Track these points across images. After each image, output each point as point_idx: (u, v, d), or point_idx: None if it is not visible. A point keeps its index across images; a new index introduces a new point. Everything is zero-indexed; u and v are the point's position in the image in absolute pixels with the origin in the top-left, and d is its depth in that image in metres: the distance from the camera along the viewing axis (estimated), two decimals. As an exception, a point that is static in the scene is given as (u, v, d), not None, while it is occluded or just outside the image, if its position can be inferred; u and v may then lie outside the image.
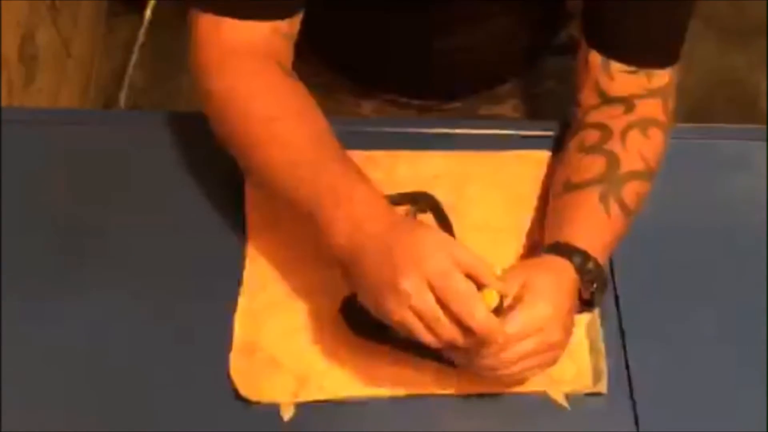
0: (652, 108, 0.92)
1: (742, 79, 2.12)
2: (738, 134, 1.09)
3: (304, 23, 0.92)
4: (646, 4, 0.89)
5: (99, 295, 0.89)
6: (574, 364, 0.87)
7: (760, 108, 2.07)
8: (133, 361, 0.86)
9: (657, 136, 0.91)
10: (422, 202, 0.92)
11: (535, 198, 0.96)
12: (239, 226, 0.93)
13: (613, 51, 0.91)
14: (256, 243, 0.92)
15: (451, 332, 0.73)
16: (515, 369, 0.79)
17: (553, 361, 0.81)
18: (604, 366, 0.87)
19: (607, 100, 0.93)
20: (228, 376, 0.84)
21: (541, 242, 0.88)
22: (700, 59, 2.06)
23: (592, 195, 0.87)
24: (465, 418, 0.85)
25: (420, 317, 0.73)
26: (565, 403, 0.85)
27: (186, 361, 0.86)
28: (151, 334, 0.87)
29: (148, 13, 2.03)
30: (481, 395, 0.85)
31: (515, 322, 0.76)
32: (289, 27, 0.90)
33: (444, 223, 0.91)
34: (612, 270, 0.91)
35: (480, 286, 0.74)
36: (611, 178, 0.87)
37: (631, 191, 0.87)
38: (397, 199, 0.89)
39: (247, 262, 0.91)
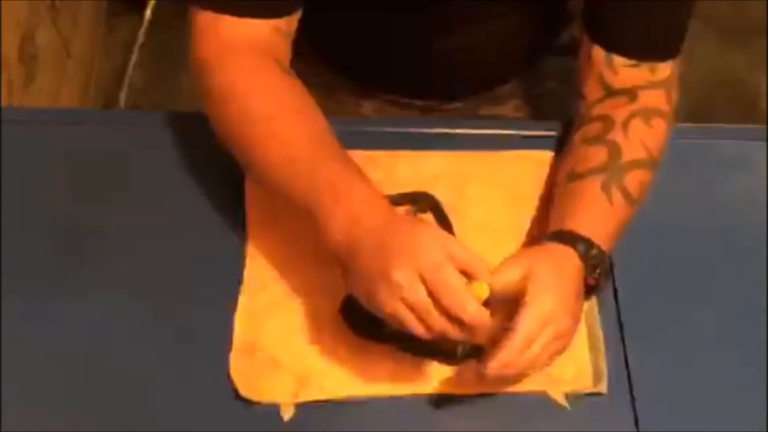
0: (655, 98, 0.92)
1: (742, 79, 2.12)
2: (738, 134, 1.09)
3: (305, 23, 0.92)
4: None
5: (99, 295, 0.89)
6: (574, 364, 0.87)
7: (760, 108, 2.07)
8: (133, 361, 0.86)
9: (660, 126, 0.91)
10: (422, 202, 0.92)
11: (536, 198, 0.96)
12: (239, 227, 0.93)
13: (616, 46, 0.92)
14: (256, 241, 0.92)
15: (441, 324, 0.74)
16: (531, 363, 0.78)
17: (563, 349, 0.81)
18: (604, 366, 0.87)
19: (611, 92, 0.93)
20: (228, 376, 0.84)
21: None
22: (700, 59, 2.06)
23: (594, 184, 0.87)
24: (465, 418, 0.85)
25: (411, 309, 0.73)
26: (564, 403, 0.85)
27: (186, 361, 0.86)
28: (151, 334, 0.87)
29: (148, 13, 2.03)
30: (481, 395, 0.85)
31: (527, 321, 0.77)
32: (287, 25, 0.90)
33: (444, 223, 0.91)
34: (612, 269, 0.90)
35: (471, 279, 0.75)
36: (613, 167, 0.88)
37: (633, 180, 0.88)
38: (397, 199, 0.89)
39: (248, 261, 0.91)
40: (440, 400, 0.85)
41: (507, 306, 0.79)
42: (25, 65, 1.53)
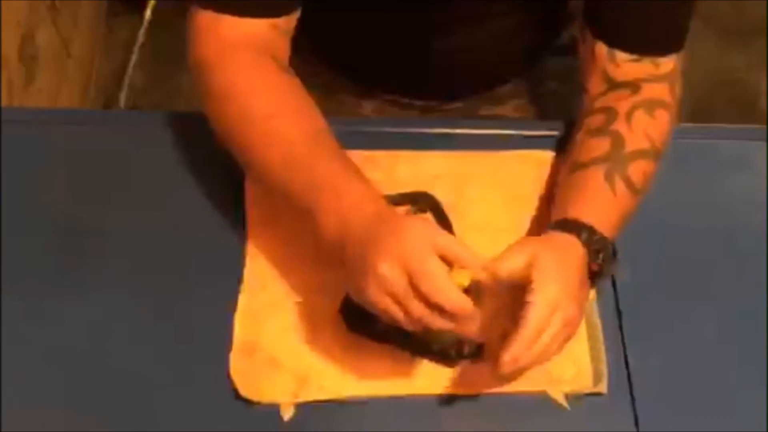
0: (658, 90, 0.92)
1: (742, 79, 2.12)
2: (738, 134, 1.09)
3: (304, 23, 0.92)
4: None
5: (99, 295, 0.89)
6: (574, 364, 0.87)
7: (760, 108, 2.07)
8: (133, 361, 0.86)
9: (663, 117, 0.91)
10: (422, 202, 0.93)
11: (536, 198, 0.96)
12: (239, 227, 0.93)
13: (618, 41, 0.92)
14: (256, 240, 0.92)
15: (420, 311, 0.73)
16: (542, 354, 0.78)
17: (569, 337, 0.80)
18: (604, 366, 0.87)
19: (614, 85, 0.93)
20: (228, 376, 0.84)
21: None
22: (700, 59, 2.06)
23: (598, 173, 0.87)
24: (465, 418, 0.85)
25: (392, 297, 0.73)
26: (564, 403, 0.85)
27: (186, 361, 0.86)
28: (151, 334, 0.87)
29: (148, 13, 2.03)
30: (481, 395, 0.85)
31: (536, 308, 0.76)
32: (286, 24, 0.90)
33: (444, 222, 0.91)
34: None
35: (452, 266, 0.74)
36: (616, 156, 0.88)
37: (637, 169, 0.88)
38: (397, 199, 0.89)
39: (248, 260, 0.91)
40: (440, 400, 0.85)
41: (510, 293, 0.79)
42: (25, 65, 1.53)
